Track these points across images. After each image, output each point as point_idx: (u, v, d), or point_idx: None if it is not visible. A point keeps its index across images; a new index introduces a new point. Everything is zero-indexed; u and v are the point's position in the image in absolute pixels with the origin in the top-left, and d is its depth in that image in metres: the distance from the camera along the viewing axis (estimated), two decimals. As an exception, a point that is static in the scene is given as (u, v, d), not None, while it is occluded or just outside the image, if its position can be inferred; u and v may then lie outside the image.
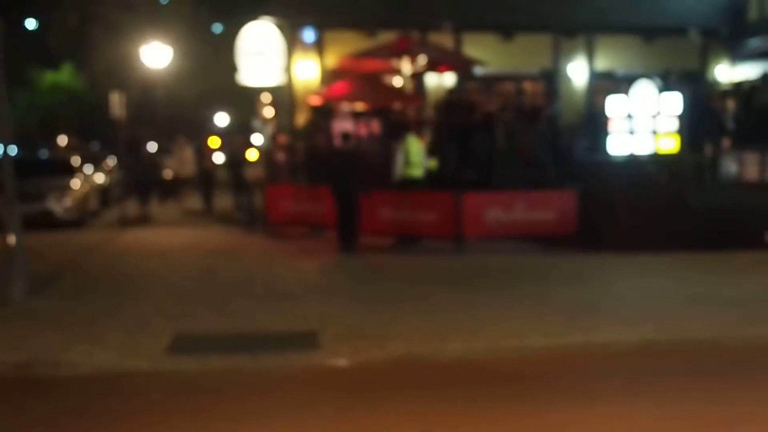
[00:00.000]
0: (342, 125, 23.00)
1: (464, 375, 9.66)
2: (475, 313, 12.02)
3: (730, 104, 22.51)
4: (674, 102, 18.20)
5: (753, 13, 27.95)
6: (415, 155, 19.29)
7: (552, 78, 27.68)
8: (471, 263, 16.83)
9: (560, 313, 11.97)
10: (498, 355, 10.29)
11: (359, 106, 24.47)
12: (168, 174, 30.82)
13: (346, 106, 24.49)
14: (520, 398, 8.66)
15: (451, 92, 24.09)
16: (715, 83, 26.72)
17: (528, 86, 27.46)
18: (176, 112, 50.82)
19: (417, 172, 19.33)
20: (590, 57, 27.85)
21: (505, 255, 17.66)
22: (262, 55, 23.56)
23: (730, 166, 18.59)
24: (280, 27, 24.56)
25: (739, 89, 25.04)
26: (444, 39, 26.15)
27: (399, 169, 19.21)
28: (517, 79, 27.60)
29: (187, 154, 29.81)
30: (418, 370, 9.82)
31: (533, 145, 20.90)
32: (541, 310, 12.23)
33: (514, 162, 20.40)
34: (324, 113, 24.19)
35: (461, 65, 25.59)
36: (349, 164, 17.93)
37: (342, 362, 9.97)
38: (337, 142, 19.86)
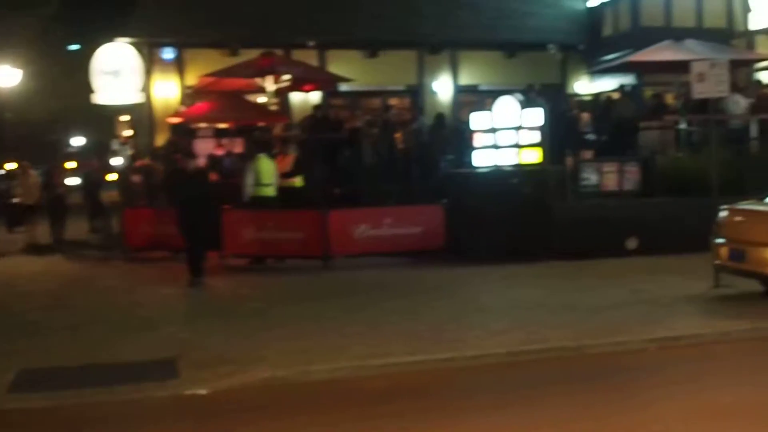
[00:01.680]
0: (203, 145, 22.57)
1: (330, 396, 9.40)
2: (342, 332, 11.77)
3: (589, 116, 22.93)
4: (536, 115, 18.35)
5: (608, 29, 28.68)
6: (266, 175, 19.01)
7: (417, 93, 27.76)
8: (339, 281, 16.61)
9: (428, 328, 11.84)
10: (365, 373, 10.06)
11: (222, 124, 24.00)
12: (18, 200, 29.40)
13: (207, 125, 24.01)
14: (387, 418, 8.44)
15: (317, 109, 23.85)
16: (574, 96, 27.20)
17: (394, 101, 27.44)
18: (27, 134, 48.93)
19: (268, 191, 19.04)
20: (454, 72, 28.08)
21: (373, 271, 17.51)
22: (119, 74, 22.95)
23: (590, 177, 18.82)
24: (138, 46, 23.98)
25: (597, 101, 25.57)
26: (308, 56, 25.97)
27: (249, 189, 18.88)
28: (383, 94, 27.56)
29: (32, 179, 28.45)
30: (283, 394, 9.50)
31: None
32: (410, 325, 12.08)
33: (382, 177, 20.30)
34: (184, 133, 23.65)
35: (326, 82, 25.43)
36: (195, 185, 16.84)
37: (202, 390, 9.54)
38: (200, 162, 19.36)
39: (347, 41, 26.78)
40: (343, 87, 25.76)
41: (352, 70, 25.27)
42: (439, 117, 23.80)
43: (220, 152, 22.87)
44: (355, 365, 10.23)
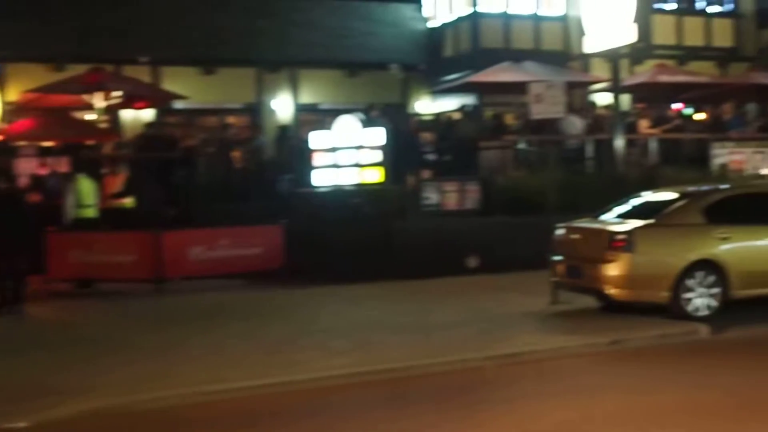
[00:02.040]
0: (26, 164, 21.54)
1: (158, 426, 8.92)
2: (174, 358, 11.25)
3: (431, 136, 22.94)
4: (377, 134, 18.21)
5: (449, 49, 28.90)
6: (86, 196, 18.34)
7: (256, 111, 27.30)
8: (173, 305, 15.96)
9: (265, 351, 11.45)
10: (198, 400, 9.57)
11: (46, 143, 22.96)
12: None
13: (30, 144, 22.91)
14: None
15: (149, 126, 23.07)
16: (416, 116, 27.25)
17: (232, 120, 26.90)
18: None
19: (89, 213, 18.36)
20: (294, 91, 27.73)
21: (210, 293, 16.94)
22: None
23: (431, 196, 18.77)
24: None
25: (438, 121, 25.67)
26: (141, 73, 25.21)
27: (70, 210, 18.17)
28: (220, 112, 27.00)
29: None
30: (108, 426, 8.95)
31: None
32: (246, 348, 11.65)
33: (219, 197, 19.79)
34: (3, 152, 22.45)
35: (159, 99, 24.69)
36: (9, 208, 15.61)
37: (22, 423, 8.85)
38: (23, 182, 18.40)
39: (182, 58, 26.10)
40: (179, 104, 25.06)
41: (188, 88, 24.66)
42: (283, 129, 23.44)
43: (43, 172, 21.82)
44: (187, 392, 9.74)
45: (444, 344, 11.51)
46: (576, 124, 22.51)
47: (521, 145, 21.72)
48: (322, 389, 9.94)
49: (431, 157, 22.30)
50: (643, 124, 23.02)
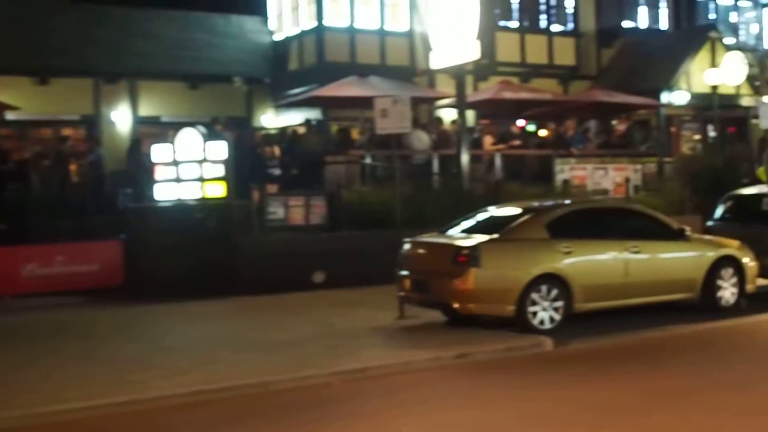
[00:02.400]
0: None
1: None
2: (9, 379, 10.69)
3: (276, 150, 22.74)
4: (220, 148, 17.88)
5: (294, 63, 28.75)
6: None
7: (94, 124, 26.49)
8: (5, 324, 15.20)
9: (107, 371, 10.99)
10: (36, 422, 9.11)
11: None
12: None
13: None
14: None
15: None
16: (261, 129, 26.99)
17: (68, 132, 26.02)
18: None
19: None
20: (134, 103, 27.04)
21: (46, 312, 16.26)
22: None
23: (277, 211, 18.54)
24: None
25: (283, 135, 25.48)
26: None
27: None
28: (55, 124, 26.08)
29: None
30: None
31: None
32: (87, 369, 11.15)
33: (54, 212, 19.05)
34: None
35: (-11, 110, 23.64)
36: None
37: None
38: None
39: (13, 67, 25.05)
40: (10, 116, 24.03)
41: (20, 98, 23.76)
42: (136, 142, 22.81)
43: None
44: (22, 414, 9.26)
45: (290, 361, 11.29)
46: (423, 139, 22.69)
47: (367, 160, 21.69)
48: (165, 409, 9.60)
49: (276, 171, 22.11)
50: (488, 140, 23.36)
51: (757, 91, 28.47)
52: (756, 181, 23.11)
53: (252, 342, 12.63)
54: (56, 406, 9.47)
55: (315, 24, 27.45)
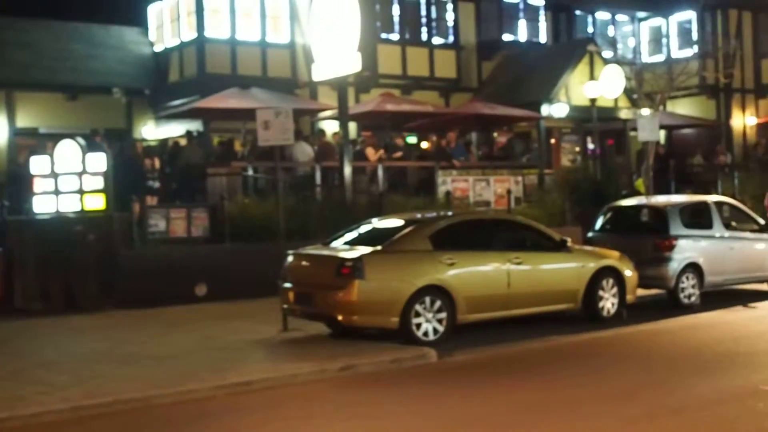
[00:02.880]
0: None
1: None
2: None
3: (157, 162, 22.45)
4: (99, 160, 17.57)
5: (175, 74, 28.48)
6: None
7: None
8: None
9: (-21, 387, 10.69)
10: None
11: None
12: None
13: None
14: None
15: None
16: (141, 141, 26.60)
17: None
18: None
19: None
20: (11, 113, 26.38)
21: None
22: None
23: (158, 223, 18.31)
24: None
25: (164, 147, 25.18)
26: None
27: None
28: None
29: None
30: None
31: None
32: (-43, 386, 10.82)
33: None
34: None
35: None
36: None
37: None
38: None
39: None
40: None
41: None
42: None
43: None
44: None
45: (173, 374, 11.17)
46: (306, 151, 22.70)
47: (249, 172, 21.59)
48: (45, 425, 9.42)
49: (157, 183, 21.83)
50: (370, 152, 23.48)
51: (635, 104, 29.18)
52: (635, 193, 23.79)
53: (133, 356, 12.46)
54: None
55: (195, 35, 27.25)
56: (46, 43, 27.61)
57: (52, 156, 17.88)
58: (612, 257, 15.28)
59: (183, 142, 24.65)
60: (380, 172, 22.55)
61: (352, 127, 25.80)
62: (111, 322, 15.74)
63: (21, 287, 17.38)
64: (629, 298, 15.33)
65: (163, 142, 26.54)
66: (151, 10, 29.87)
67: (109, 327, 15.30)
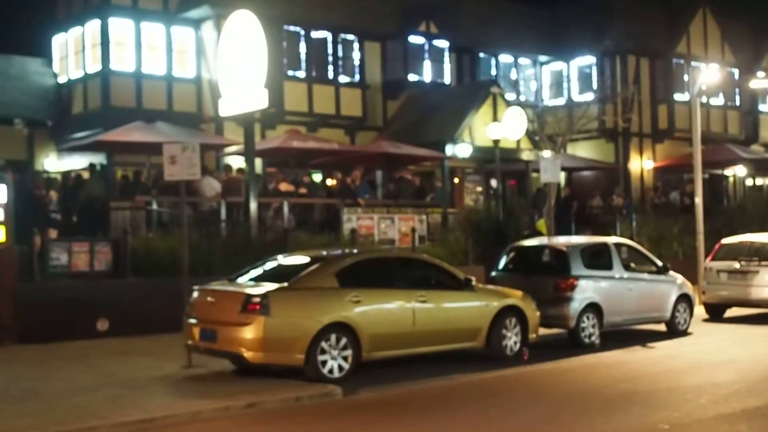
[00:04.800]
0: None
1: None
2: None
3: (58, 194, 22.15)
4: (0, 191, 17.20)
5: (78, 106, 28.23)
6: None
7: None
8: None
9: None
10: None
11: None
12: None
13: None
14: None
15: None
16: (42, 173, 26.23)
17: None
18: None
19: None
20: None
21: None
22: None
23: (60, 257, 18.01)
24: None
25: (66, 180, 24.85)
26: None
27: None
28: None
29: None
30: None
31: None
32: None
33: None
34: None
35: None
36: None
37: None
38: None
39: None
40: None
41: None
42: None
43: None
44: None
45: (73, 411, 10.98)
46: (214, 186, 22.63)
47: (153, 206, 21.41)
48: None
49: (58, 216, 21.50)
50: (284, 186, 23.54)
51: (537, 146, 29.78)
52: (536, 233, 24.20)
53: (32, 392, 12.22)
54: None
55: (100, 67, 27.07)
56: (-53, 72, 27.17)
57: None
58: (515, 296, 15.52)
59: (86, 175, 24.35)
60: (286, 209, 22.58)
61: (258, 163, 25.77)
62: (7, 356, 15.41)
63: None
64: (532, 336, 15.55)
65: (66, 175, 26.18)
66: (56, 42, 29.57)
67: (7, 361, 14.96)
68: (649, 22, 37.43)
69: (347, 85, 31.22)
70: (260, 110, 20.86)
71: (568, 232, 24.45)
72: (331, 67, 30.92)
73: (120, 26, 27.17)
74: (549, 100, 36.39)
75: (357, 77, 31.63)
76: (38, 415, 10.73)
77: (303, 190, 24.55)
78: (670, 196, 33.33)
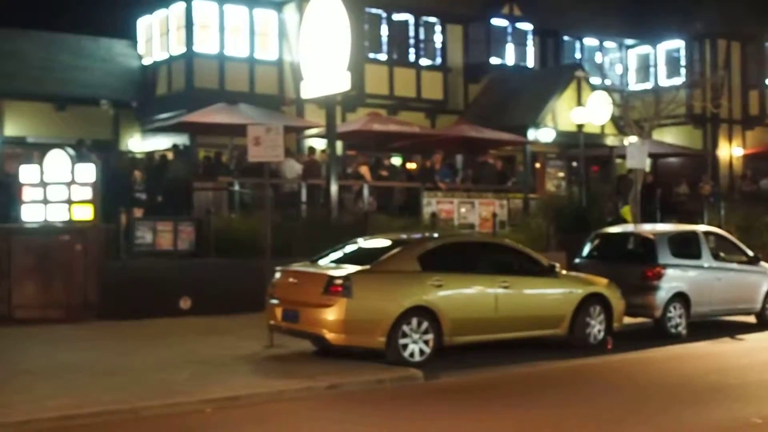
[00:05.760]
0: None
1: None
2: None
3: (143, 174, 22.42)
4: (87, 171, 17.54)
5: (162, 88, 28.51)
6: None
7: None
8: None
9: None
10: None
11: None
12: None
13: None
14: None
15: None
16: (127, 153, 26.62)
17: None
18: None
19: None
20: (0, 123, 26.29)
21: None
22: None
23: (144, 235, 18.26)
24: None
25: (151, 160, 25.15)
26: None
27: None
28: None
29: None
30: None
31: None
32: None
33: None
34: None
35: None
36: None
37: None
38: None
39: None
40: None
41: None
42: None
43: None
44: None
45: (159, 387, 11.13)
46: (295, 168, 22.70)
47: (236, 187, 21.57)
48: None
49: (143, 195, 21.78)
50: (365, 170, 23.53)
51: (622, 131, 29.32)
52: (620, 220, 23.82)
53: (119, 367, 12.42)
54: None
55: (184, 50, 27.28)
56: (35, 54, 27.72)
57: (41, 165, 17.82)
58: (600, 284, 15.30)
59: (170, 155, 24.63)
60: (366, 192, 22.58)
61: (338, 145, 25.82)
62: (94, 333, 15.69)
63: (5, 295, 17.27)
64: (616, 325, 15.31)
65: (150, 155, 26.52)
66: (141, 24, 29.92)
67: (93, 338, 15.25)
68: (740, 5, 36.44)
69: (428, 68, 31.12)
70: (342, 93, 20.88)
71: (652, 220, 24.03)
72: (412, 50, 30.84)
73: (204, 9, 27.38)
74: (635, 85, 35.81)
75: (438, 60, 31.51)
76: (124, 390, 10.90)
77: (384, 173, 24.52)
78: (761, 183, 32.44)
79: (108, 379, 11.62)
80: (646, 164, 25.36)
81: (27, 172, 18.03)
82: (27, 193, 17.89)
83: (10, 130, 26.55)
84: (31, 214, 17.82)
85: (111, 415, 9.97)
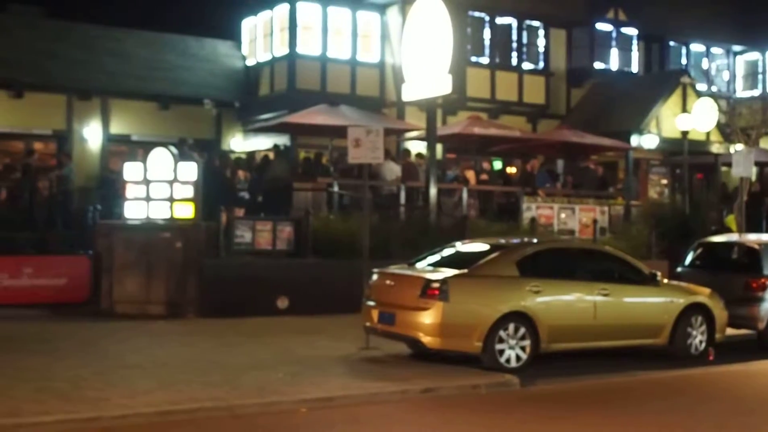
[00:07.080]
0: None
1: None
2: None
3: (244, 174, 22.67)
4: (190, 169, 17.83)
5: (264, 89, 28.77)
6: None
7: (65, 139, 26.33)
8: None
9: (70, 386, 10.87)
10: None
11: None
12: None
13: None
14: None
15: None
16: (229, 153, 26.94)
17: (39, 146, 25.89)
18: None
19: None
20: (105, 120, 26.93)
21: (8, 324, 15.97)
22: None
23: (244, 234, 18.47)
24: None
25: (252, 159, 25.42)
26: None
27: None
28: (27, 138, 25.96)
29: None
30: None
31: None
32: (45, 384, 11.00)
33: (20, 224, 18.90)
34: None
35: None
36: None
37: None
38: None
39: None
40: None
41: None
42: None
43: None
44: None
45: (254, 386, 11.21)
46: (394, 170, 22.72)
47: (335, 188, 21.67)
48: (128, 427, 9.51)
49: (244, 195, 22.03)
50: (471, 174, 23.45)
51: (728, 139, 28.69)
52: (725, 229, 23.29)
53: (216, 365, 12.53)
54: (14, 419, 9.34)
55: (287, 51, 27.49)
56: (141, 53, 28.25)
57: (144, 163, 18.15)
58: (702, 294, 14.96)
59: (271, 155, 24.87)
60: (465, 195, 22.48)
61: (438, 148, 25.76)
62: (192, 329, 15.93)
63: (107, 289, 17.65)
64: (718, 336, 14.96)
65: (251, 155, 26.80)
66: (245, 25, 30.25)
67: (192, 334, 15.48)
68: None
69: (531, 72, 30.85)
70: (443, 96, 20.81)
71: (758, 230, 23.43)
72: (515, 54, 30.60)
73: (307, 10, 27.57)
74: (742, 92, 34.99)
75: (541, 64, 31.22)
76: (221, 388, 10.99)
77: (484, 177, 24.39)
78: None
79: (204, 376, 11.74)
80: (753, 173, 24.74)
81: (131, 170, 18.40)
82: (130, 190, 18.25)
83: (116, 127, 27.06)
84: (133, 211, 18.18)
85: (207, 412, 10.06)
